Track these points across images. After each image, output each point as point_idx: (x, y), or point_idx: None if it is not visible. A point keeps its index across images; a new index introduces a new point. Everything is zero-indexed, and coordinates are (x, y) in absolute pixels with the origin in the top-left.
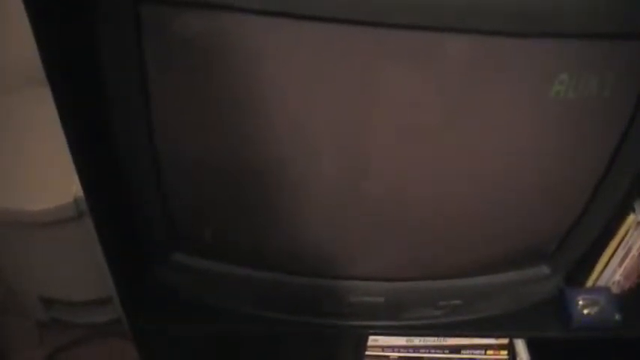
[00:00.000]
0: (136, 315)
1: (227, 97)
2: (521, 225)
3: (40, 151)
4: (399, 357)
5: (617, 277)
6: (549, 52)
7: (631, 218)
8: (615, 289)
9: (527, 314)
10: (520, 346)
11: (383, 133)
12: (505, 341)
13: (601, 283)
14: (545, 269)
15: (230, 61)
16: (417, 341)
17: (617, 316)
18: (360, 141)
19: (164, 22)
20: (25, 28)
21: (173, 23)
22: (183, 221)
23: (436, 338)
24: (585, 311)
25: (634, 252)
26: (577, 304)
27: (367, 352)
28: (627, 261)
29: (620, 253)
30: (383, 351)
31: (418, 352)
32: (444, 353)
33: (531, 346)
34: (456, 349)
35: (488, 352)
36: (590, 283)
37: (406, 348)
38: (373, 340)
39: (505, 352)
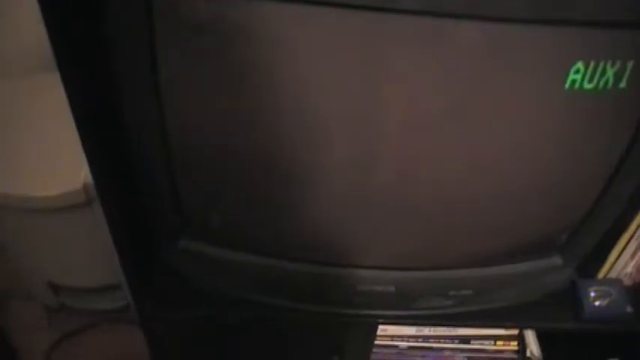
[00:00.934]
0: (144, 301)
1: (237, 82)
2: (533, 215)
3: (49, 138)
4: (409, 346)
5: (629, 269)
6: (565, 41)
7: None
8: (627, 282)
9: (538, 305)
10: (530, 337)
11: (395, 121)
12: (515, 332)
13: (613, 275)
14: (557, 260)
15: (240, 46)
16: (426, 331)
17: (629, 308)
18: (372, 128)
19: (174, 7)
20: (32, 15)
21: (183, 7)
22: (193, 207)
23: (446, 328)
24: (597, 303)
25: None
26: (588, 295)
27: (376, 342)
28: (639, 254)
29: (633, 245)
30: (392, 340)
31: (427, 342)
32: (453, 343)
33: (542, 338)
34: (466, 339)
35: (498, 342)
36: (601, 275)
37: (415, 337)
38: (382, 329)
39: (515, 343)
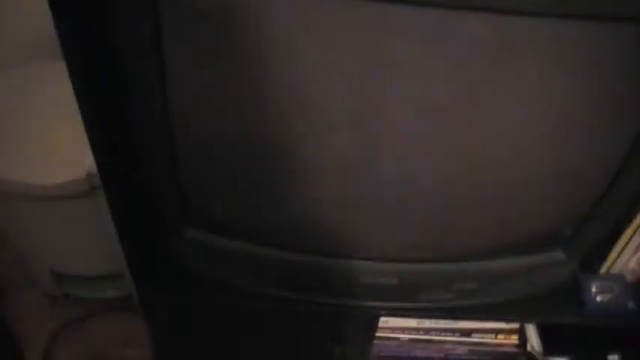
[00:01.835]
0: (146, 289)
1: (241, 69)
2: (537, 209)
3: (52, 126)
4: (410, 339)
5: (632, 264)
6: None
7: None
8: (630, 277)
9: (540, 300)
10: (531, 331)
11: (400, 112)
12: (516, 326)
13: (615, 270)
14: (560, 255)
15: (244, 33)
16: (427, 323)
17: (631, 304)
18: (375, 118)
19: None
20: (36, 2)
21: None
22: (196, 196)
23: (447, 321)
24: (599, 298)
25: None
26: (591, 290)
27: (378, 334)
28: None
29: (636, 240)
30: (393, 332)
31: (429, 335)
32: (454, 336)
33: (543, 332)
34: (467, 332)
35: (499, 336)
36: (604, 270)
37: (417, 330)
38: (384, 321)
39: (516, 337)
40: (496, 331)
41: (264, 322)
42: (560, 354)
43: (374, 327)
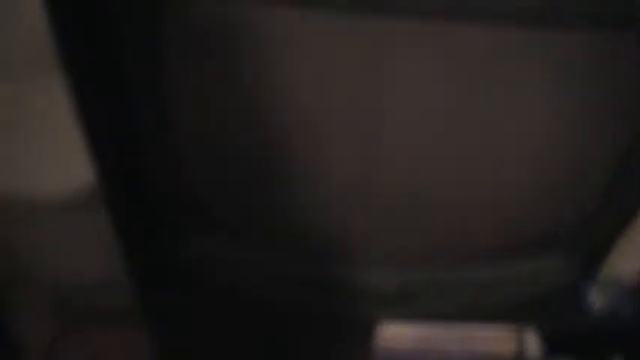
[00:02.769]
0: (147, 297)
1: (243, 81)
2: (537, 215)
3: (52, 136)
4: (410, 346)
5: (632, 267)
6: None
7: None
8: (629, 282)
9: (540, 304)
10: (530, 336)
11: (397, 119)
12: (515, 330)
13: (615, 273)
14: (559, 259)
15: (245, 48)
16: (427, 330)
17: (631, 307)
18: (372, 128)
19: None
20: (35, 16)
21: (190, 12)
22: (197, 202)
23: (446, 327)
24: (599, 302)
25: None
26: (591, 294)
27: (376, 341)
28: None
29: (635, 243)
30: (393, 339)
31: (428, 341)
32: (453, 342)
33: (542, 337)
34: (467, 337)
35: (499, 341)
36: (603, 275)
37: (417, 337)
38: (383, 328)
39: (515, 342)
40: (496, 337)
41: (264, 329)
42: (560, 358)
43: (373, 334)
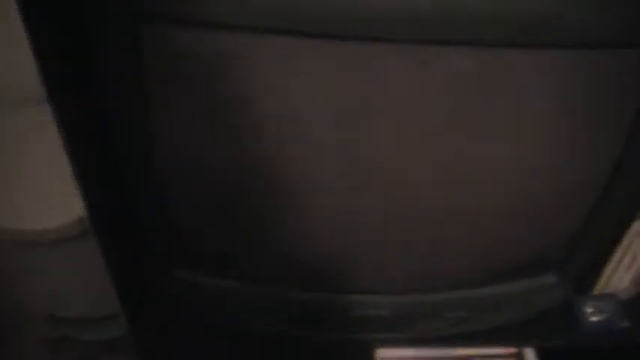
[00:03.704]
0: (140, 330)
1: (228, 111)
2: (527, 234)
3: (43, 171)
4: None
5: (625, 283)
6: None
7: (637, 225)
8: (623, 296)
9: (534, 323)
10: (529, 354)
11: (385, 143)
12: (514, 350)
13: (609, 289)
14: (552, 278)
15: (229, 77)
16: (424, 352)
17: (626, 323)
18: (363, 152)
19: (164, 41)
20: (24, 48)
21: (172, 42)
22: (185, 236)
23: (445, 349)
24: (594, 318)
25: None
26: (585, 311)
27: None
28: (635, 267)
29: (628, 258)
30: None
31: None
32: None
33: (540, 354)
34: (465, 359)
35: None
36: (597, 290)
37: (414, 359)
38: (379, 352)
39: None
40: (494, 356)
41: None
42: None
43: (371, 359)
